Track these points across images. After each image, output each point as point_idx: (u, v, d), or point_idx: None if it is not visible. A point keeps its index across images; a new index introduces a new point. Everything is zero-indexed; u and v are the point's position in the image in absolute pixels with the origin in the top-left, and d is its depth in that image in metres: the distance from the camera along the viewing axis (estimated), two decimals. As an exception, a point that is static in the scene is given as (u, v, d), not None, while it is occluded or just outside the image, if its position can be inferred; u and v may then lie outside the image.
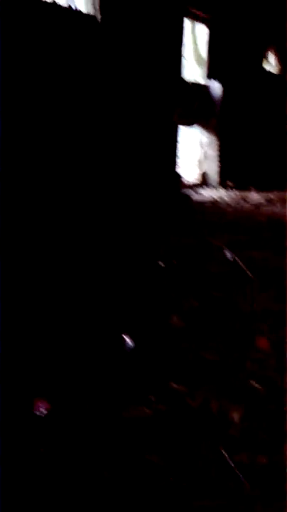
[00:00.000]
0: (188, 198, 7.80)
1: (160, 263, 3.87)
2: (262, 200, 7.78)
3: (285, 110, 12.53)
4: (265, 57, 11.22)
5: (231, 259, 4.10)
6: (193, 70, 11.41)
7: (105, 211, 5.73)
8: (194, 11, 8.02)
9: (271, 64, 11.81)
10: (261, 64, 10.82)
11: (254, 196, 8.32)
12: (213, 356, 2.27)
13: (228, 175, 9.39)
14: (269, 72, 11.40)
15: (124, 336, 2.42)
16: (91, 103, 6.13)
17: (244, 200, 7.77)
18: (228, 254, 4.18)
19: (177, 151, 8.10)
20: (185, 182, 8.84)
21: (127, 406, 1.83)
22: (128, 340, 2.39)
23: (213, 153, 9.16)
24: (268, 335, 2.54)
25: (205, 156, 9.29)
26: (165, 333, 2.55)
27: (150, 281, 3.46)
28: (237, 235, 4.97)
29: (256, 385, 1.99)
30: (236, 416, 1.77)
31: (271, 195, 8.38)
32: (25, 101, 5.21)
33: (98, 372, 2.10)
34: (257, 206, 7.20)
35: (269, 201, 7.77)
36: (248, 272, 3.70)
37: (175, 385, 2.04)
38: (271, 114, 11.43)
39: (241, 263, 3.92)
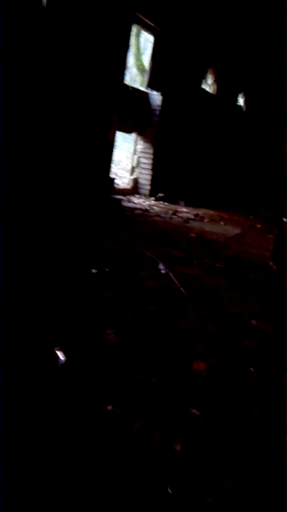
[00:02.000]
0: (119, 203, 7.69)
1: (93, 270, 3.69)
2: (191, 215, 7.92)
3: (218, 130, 13.04)
4: (204, 76, 11.58)
5: (165, 273, 4.05)
6: (134, 77, 11.40)
7: (35, 210, 5.39)
8: (142, 18, 7.99)
9: (209, 84, 12.23)
10: (200, 82, 11.14)
11: (183, 210, 8.46)
12: (151, 378, 2.14)
13: (159, 185, 9.47)
14: (206, 91, 11.79)
15: (56, 351, 2.20)
16: (28, 92, 5.77)
17: (174, 212, 7.85)
18: (162, 268, 4.12)
19: (112, 155, 7.97)
20: (117, 187, 8.73)
21: (60, 430, 1.63)
22: (60, 354, 2.18)
23: (147, 161, 9.17)
24: (204, 357, 2.49)
25: (138, 164, 9.27)
26: (98, 349, 2.37)
27: (81, 288, 3.26)
28: (171, 248, 4.95)
29: (196, 412, 1.90)
30: (178, 446, 1.65)
31: (199, 211, 8.59)
32: None
33: (26, 390, 1.86)
34: (186, 220, 7.29)
35: (198, 216, 7.94)
36: (181, 289, 3.66)
37: (110, 408, 1.88)
38: (204, 132, 11.81)
39: (174, 278, 3.88)
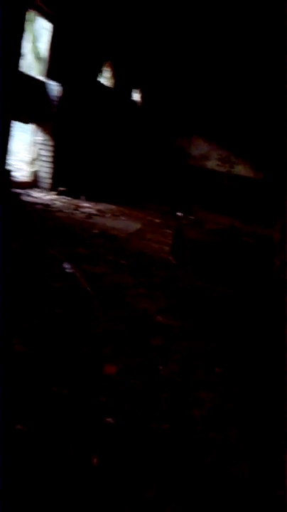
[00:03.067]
0: (18, 197, 7.34)
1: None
2: (93, 211, 7.88)
3: (118, 126, 13.14)
4: (101, 69, 11.51)
5: (71, 273, 3.98)
6: (31, 65, 10.93)
7: None
8: (39, 4, 7.65)
9: (106, 78, 12.21)
10: (97, 75, 11.06)
11: (85, 205, 8.38)
12: (62, 388, 2.09)
13: (60, 179, 9.24)
14: (103, 85, 11.75)
15: None
16: None
17: (76, 207, 7.73)
18: (67, 268, 4.03)
19: (8, 147, 7.54)
20: (16, 180, 8.31)
21: None
22: None
23: (46, 154, 8.87)
24: (114, 359, 2.50)
25: (38, 156, 8.93)
26: (5, 360, 2.25)
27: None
28: (75, 245, 4.86)
29: (111, 420, 1.91)
30: (95, 460, 1.64)
31: (101, 207, 8.59)
32: None
33: None
34: (89, 216, 7.24)
35: (100, 212, 7.93)
36: (88, 288, 3.63)
37: (19, 426, 1.79)
38: (102, 126, 11.80)
39: (81, 278, 3.83)
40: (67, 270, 3.99)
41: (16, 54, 7.18)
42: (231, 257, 5.24)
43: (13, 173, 8.09)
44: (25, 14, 7.14)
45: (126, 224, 7.25)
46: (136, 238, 6.25)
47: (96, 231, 6.01)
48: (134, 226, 7.20)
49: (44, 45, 9.39)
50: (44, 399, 1.96)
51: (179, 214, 10.34)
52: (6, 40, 6.67)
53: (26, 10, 7.15)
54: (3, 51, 6.70)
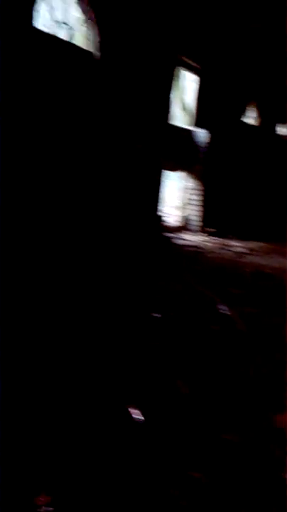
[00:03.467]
0: (170, 241, 7.68)
1: (156, 314, 3.62)
2: (244, 250, 7.75)
3: (265, 163, 12.95)
4: (246, 110, 11.61)
5: (227, 314, 3.92)
6: (177, 116, 11.65)
7: (87, 252, 5.48)
8: (186, 60, 8.22)
9: (253, 117, 12.25)
10: (242, 115, 11.18)
11: (235, 244, 8.31)
12: (232, 436, 2.01)
13: (208, 221, 9.41)
14: (248, 124, 11.79)
15: (130, 409, 2.12)
16: (82, 138, 6.00)
17: (227, 247, 7.72)
18: (223, 309, 3.99)
19: (160, 194, 8.05)
20: (167, 225, 8.76)
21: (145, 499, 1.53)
22: (135, 413, 2.10)
23: (196, 198, 9.18)
24: (283, 409, 2.32)
25: (188, 201, 9.30)
26: (172, 403, 2.28)
27: (146, 335, 3.20)
28: (229, 285, 4.82)
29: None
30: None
31: (251, 245, 8.41)
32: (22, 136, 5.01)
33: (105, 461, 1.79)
34: (240, 255, 7.14)
35: (251, 250, 7.76)
36: (245, 330, 3.51)
37: (197, 474, 1.76)
38: (248, 165, 11.74)
39: (237, 319, 3.74)
40: (223, 311, 3.95)
41: (166, 109, 7.75)
42: None
43: (164, 219, 8.56)
44: (173, 72, 7.73)
45: (280, 262, 6.92)
46: (292, 277, 5.89)
47: (249, 270, 5.86)
48: (289, 264, 6.82)
49: (189, 96, 9.97)
50: (214, 447, 1.91)
51: None
52: (157, 98, 7.29)
53: (174, 68, 7.74)
54: (155, 108, 7.32)
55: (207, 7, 8.46)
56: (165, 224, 8.70)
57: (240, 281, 5.22)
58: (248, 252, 7.57)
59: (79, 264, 4.87)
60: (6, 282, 3.71)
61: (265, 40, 10.36)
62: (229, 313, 3.90)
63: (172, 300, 4.13)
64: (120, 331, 3.18)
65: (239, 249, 7.69)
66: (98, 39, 6.06)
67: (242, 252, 7.38)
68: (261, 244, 8.67)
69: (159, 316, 3.57)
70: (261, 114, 12.49)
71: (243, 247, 7.97)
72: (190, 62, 8.37)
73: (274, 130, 13.94)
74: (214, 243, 8.14)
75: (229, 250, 7.50)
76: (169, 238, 7.89)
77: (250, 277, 5.44)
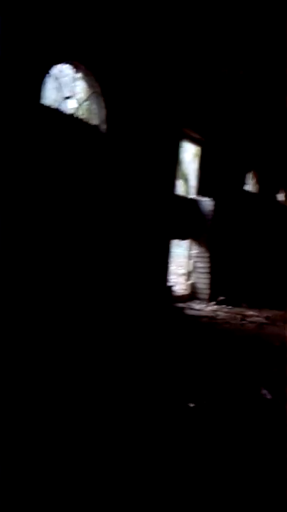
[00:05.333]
0: (182, 312, 7.24)
1: (190, 404, 3.09)
2: (261, 319, 7.30)
3: (268, 229, 12.93)
4: (246, 178, 11.77)
5: (270, 398, 3.39)
6: (179, 186, 11.72)
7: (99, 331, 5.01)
8: (189, 132, 8.34)
9: (251, 184, 12.41)
10: (243, 184, 11.29)
11: (249, 313, 7.87)
12: None
13: (218, 289, 9.05)
14: (249, 192, 11.89)
15: None
16: (90, 210, 5.78)
17: (243, 317, 7.27)
18: (266, 393, 3.46)
19: (169, 264, 7.75)
20: (175, 294, 8.36)
21: None
22: None
23: (203, 265, 8.89)
24: None
25: (194, 269, 8.99)
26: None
27: (181, 433, 2.66)
28: (259, 363, 4.31)
29: None
30: None
31: (267, 313, 7.97)
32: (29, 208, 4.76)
33: None
34: (260, 326, 6.67)
35: (269, 320, 7.30)
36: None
37: None
38: (252, 232, 11.66)
39: (283, 404, 3.20)
40: (267, 396, 3.42)
41: (172, 180, 7.70)
42: None
43: (173, 288, 8.18)
44: (178, 146, 7.78)
45: (303, 332, 6.44)
46: None
47: (277, 343, 5.37)
48: (315, 334, 6.34)
49: (191, 166, 10.07)
50: None
51: None
52: (163, 170, 7.25)
53: (179, 141, 7.80)
54: (163, 180, 7.25)
55: (209, 81, 8.78)
56: (175, 293, 8.30)
57: (271, 357, 4.72)
58: (267, 321, 7.11)
59: (84, 344, 4.39)
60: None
61: (264, 111, 10.71)
62: (272, 398, 3.37)
63: (202, 383, 3.62)
64: (150, 429, 2.64)
65: (256, 319, 7.23)
66: (104, 112, 6.07)
67: (261, 322, 6.91)
68: (276, 312, 8.22)
69: (193, 405, 3.04)
70: (261, 182, 12.68)
71: (259, 317, 7.52)
72: (193, 134, 8.49)
73: (274, 196, 14.12)
74: (226, 312, 7.69)
75: (246, 320, 7.04)
76: (181, 309, 7.45)
77: (280, 353, 4.94)
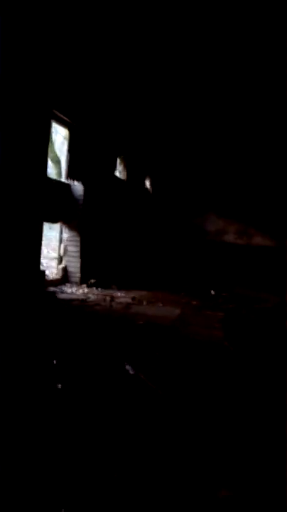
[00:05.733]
0: (54, 296, 7.31)
1: (58, 385, 3.26)
2: (128, 299, 7.78)
3: (133, 213, 13.58)
4: (115, 164, 12.15)
5: (132, 373, 3.75)
6: (50, 168, 11.54)
7: None
8: (58, 114, 8.27)
9: (119, 171, 12.85)
10: (113, 170, 11.64)
11: (118, 294, 8.30)
12: None
13: (89, 272, 9.31)
14: (119, 178, 12.33)
15: None
16: None
17: (112, 298, 7.65)
18: (129, 369, 3.81)
19: (41, 248, 7.70)
20: (47, 278, 8.37)
21: None
22: None
23: (74, 249, 9.03)
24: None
25: (66, 252, 9.08)
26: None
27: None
28: (125, 341, 4.67)
29: None
30: None
31: (134, 294, 8.50)
32: None
33: None
34: (127, 306, 7.12)
35: (135, 300, 7.82)
36: (152, 386, 3.38)
37: None
38: (121, 216, 12.16)
39: (146, 379, 3.59)
40: (130, 372, 3.77)
41: (43, 162, 7.60)
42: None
43: (45, 273, 8.17)
44: (49, 126, 7.68)
45: (166, 310, 7.09)
46: (181, 324, 6.04)
47: (141, 322, 5.83)
48: (174, 311, 7.02)
49: (63, 148, 10.01)
50: None
51: (212, 292, 10.18)
52: (33, 151, 7.11)
53: (49, 122, 7.70)
54: (33, 161, 7.11)
55: (79, 67, 8.77)
56: (47, 278, 8.30)
57: (135, 336, 5.13)
58: (133, 302, 7.60)
59: None
60: None
61: (132, 98, 11.10)
62: (135, 373, 3.73)
63: (71, 366, 3.81)
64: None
65: (123, 300, 7.68)
66: None
67: (128, 303, 7.38)
68: (144, 293, 8.83)
69: (60, 386, 3.22)
70: (128, 168, 13.20)
71: (127, 297, 8.00)
72: (62, 116, 8.44)
73: (143, 183, 14.86)
74: (97, 294, 8.00)
75: (115, 301, 7.43)
76: (53, 293, 7.51)
77: (143, 331, 5.40)
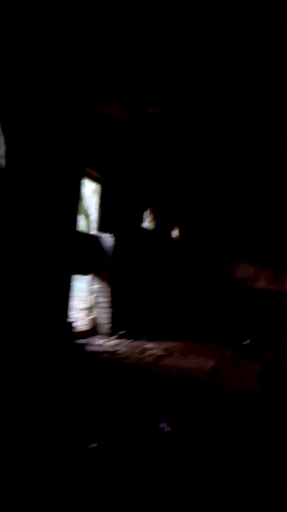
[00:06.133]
0: (83, 348, 7.21)
1: (91, 444, 3.10)
2: (160, 351, 7.57)
3: (162, 263, 13.57)
4: (144, 216, 12.37)
5: (169, 431, 3.54)
6: (81, 222, 11.86)
7: None
8: (90, 171, 8.58)
9: (148, 221, 13.05)
10: (141, 221, 11.83)
11: (148, 345, 8.11)
12: None
13: (119, 323, 9.21)
14: (147, 229, 12.49)
15: None
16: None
17: (142, 350, 7.47)
18: (164, 426, 3.61)
19: (70, 300, 7.72)
20: (76, 330, 8.30)
21: None
22: None
23: (104, 300, 9.01)
24: None
25: (96, 304, 9.07)
26: None
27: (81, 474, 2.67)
28: (158, 396, 4.48)
29: None
30: None
31: (165, 345, 8.29)
32: None
33: None
34: (159, 358, 6.92)
35: (167, 351, 7.61)
36: (189, 445, 3.16)
37: None
38: (150, 266, 12.19)
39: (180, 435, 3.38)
40: (165, 429, 3.57)
41: (74, 216, 7.80)
42: None
43: (74, 324, 8.13)
44: (80, 183, 7.95)
45: (199, 362, 6.83)
46: (216, 377, 5.78)
47: (174, 375, 5.62)
48: (208, 363, 6.76)
49: (91, 201, 10.31)
50: None
51: (246, 342, 9.83)
52: (66, 208, 7.33)
53: (81, 179, 7.99)
54: (66, 216, 7.32)
55: (106, 125, 9.19)
56: (75, 329, 8.24)
57: (169, 389, 4.92)
58: (164, 353, 7.40)
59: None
60: None
61: (160, 152, 11.40)
62: (171, 430, 3.53)
63: (104, 424, 3.65)
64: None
65: (154, 352, 7.49)
66: (4, 148, 6.02)
67: (159, 355, 7.17)
68: (175, 344, 8.61)
69: (94, 445, 3.06)
70: (157, 219, 13.40)
71: (158, 349, 7.80)
72: (92, 172, 8.76)
73: (170, 233, 14.99)
74: (127, 346, 7.85)
75: (145, 353, 7.25)
76: (81, 345, 7.41)
77: (177, 384, 5.18)
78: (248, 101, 7.94)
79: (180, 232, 16.41)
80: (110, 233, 9.23)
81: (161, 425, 3.62)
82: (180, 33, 5.78)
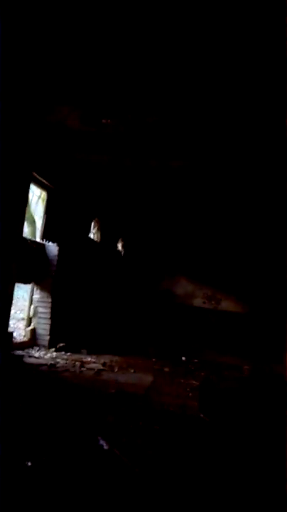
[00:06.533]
0: (21, 360, 7.00)
1: (28, 462, 3.02)
2: (99, 365, 7.53)
3: (105, 275, 13.57)
4: (90, 226, 12.33)
5: (107, 449, 3.54)
6: (24, 228, 11.57)
7: None
8: (37, 177, 8.44)
9: (93, 233, 13.02)
10: (88, 232, 11.78)
11: (88, 359, 8.03)
12: None
13: (58, 335, 9.04)
14: (92, 240, 12.45)
15: None
16: None
17: (82, 364, 7.39)
18: (103, 444, 3.60)
19: (10, 309, 7.48)
20: (14, 341, 8.04)
21: None
22: None
23: (45, 311, 8.81)
24: None
25: (36, 314, 8.84)
26: None
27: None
28: (97, 413, 4.45)
29: None
30: None
31: (104, 359, 8.25)
32: None
33: None
34: (97, 372, 6.88)
35: (106, 366, 7.58)
36: (129, 464, 3.19)
37: None
38: (93, 278, 12.12)
39: (119, 454, 3.39)
40: (104, 447, 3.56)
41: (20, 224, 7.61)
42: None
43: (13, 335, 7.87)
44: (28, 188, 7.79)
45: (138, 377, 6.88)
46: (155, 394, 5.86)
47: (113, 390, 5.62)
48: (147, 379, 6.83)
49: (37, 210, 10.11)
50: None
51: (183, 358, 10.05)
52: (10, 211, 7.14)
53: (29, 184, 7.83)
54: (8, 222, 7.11)
55: (56, 134, 9.11)
56: (14, 340, 7.98)
57: (107, 407, 4.91)
58: (104, 368, 7.36)
59: None
60: None
61: (111, 168, 11.47)
62: (109, 447, 3.53)
63: (41, 441, 3.58)
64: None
65: (94, 366, 7.43)
66: None
67: (99, 369, 7.13)
68: (115, 358, 8.59)
69: (30, 463, 2.99)
70: (103, 231, 13.40)
71: (97, 363, 7.74)
72: (42, 179, 8.62)
73: (115, 245, 15.04)
74: (66, 359, 7.71)
75: (85, 367, 7.18)
76: (20, 357, 7.18)
77: (115, 401, 5.19)
78: (200, 111, 8.17)
79: (124, 244, 16.53)
80: (55, 242, 9.09)
81: (100, 442, 3.61)
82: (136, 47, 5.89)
